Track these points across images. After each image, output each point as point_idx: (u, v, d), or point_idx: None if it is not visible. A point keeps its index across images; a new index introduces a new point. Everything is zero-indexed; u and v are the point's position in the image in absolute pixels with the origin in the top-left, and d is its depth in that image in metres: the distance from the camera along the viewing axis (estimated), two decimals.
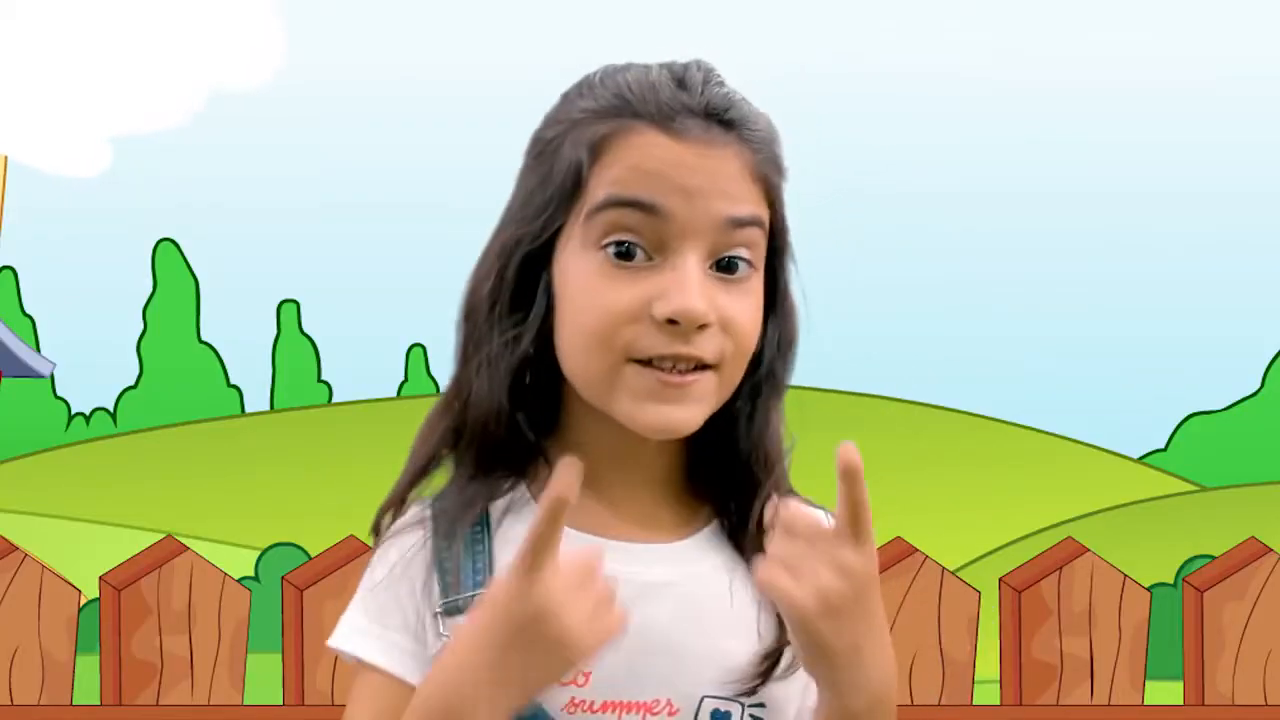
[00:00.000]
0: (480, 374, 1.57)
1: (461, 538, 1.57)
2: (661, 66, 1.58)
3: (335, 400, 8.39)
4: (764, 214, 1.57)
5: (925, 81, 7.73)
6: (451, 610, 1.55)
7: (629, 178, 1.53)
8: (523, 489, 1.59)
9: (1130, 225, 7.87)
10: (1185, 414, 8.07)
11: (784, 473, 1.65)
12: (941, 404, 8.07)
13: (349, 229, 7.91)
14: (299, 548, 6.98)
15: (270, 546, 7.42)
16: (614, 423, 1.56)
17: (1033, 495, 7.81)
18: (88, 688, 3.63)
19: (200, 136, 7.59)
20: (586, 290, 1.54)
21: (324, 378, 8.43)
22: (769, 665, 1.57)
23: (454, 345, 1.62)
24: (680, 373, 1.53)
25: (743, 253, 1.55)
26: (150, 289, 8.41)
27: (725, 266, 1.54)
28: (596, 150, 1.55)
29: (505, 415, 1.57)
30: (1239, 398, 8.08)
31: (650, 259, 1.53)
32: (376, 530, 1.63)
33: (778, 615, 1.56)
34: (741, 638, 1.58)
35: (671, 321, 1.52)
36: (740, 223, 1.54)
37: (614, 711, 1.55)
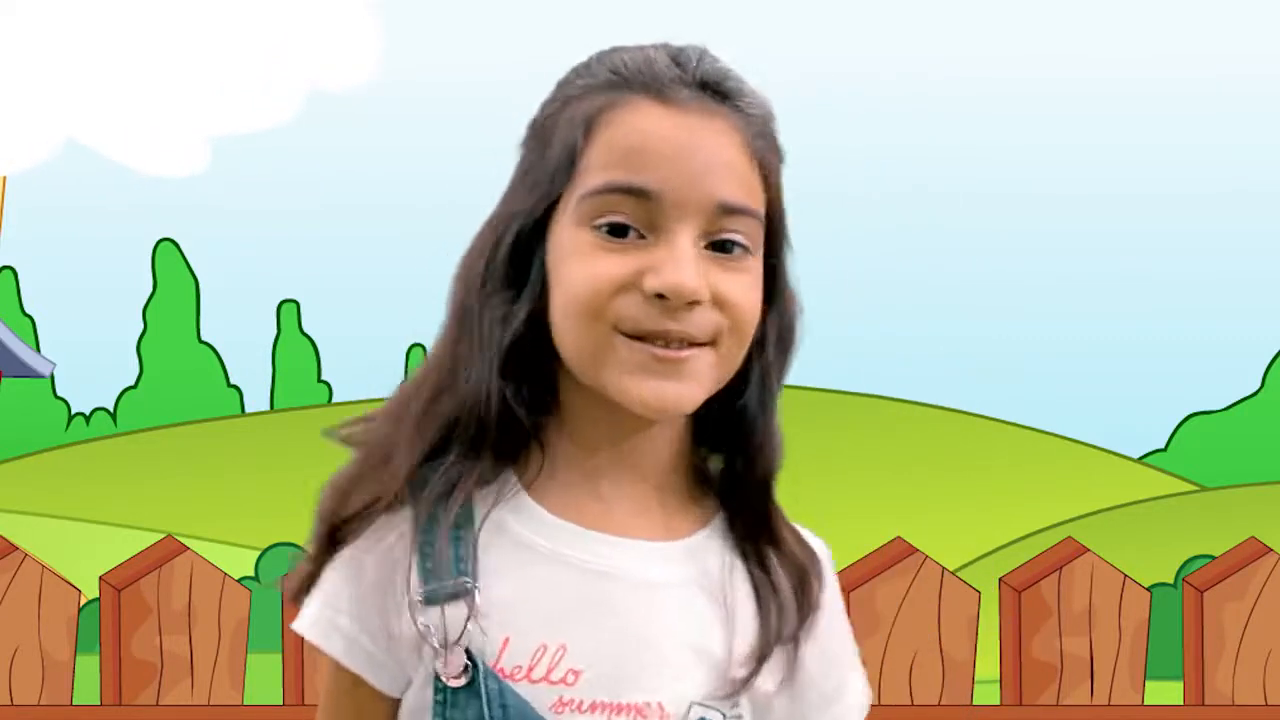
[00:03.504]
0: (472, 354, 1.53)
1: (446, 525, 1.53)
2: (658, 46, 1.56)
3: (335, 400, 8.38)
4: (759, 204, 1.54)
5: (925, 81, 7.73)
6: (431, 599, 1.52)
7: (622, 160, 1.52)
8: (511, 477, 1.55)
9: (1130, 225, 7.87)
10: (1185, 414, 8.06)
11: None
12: (941, 404, 8.07)
13: (350, 230, 7.91)
14: (299, 548, 6.97)
15: (270, 546, 7.41)
16: (611, 409, 1.53)
17: (1033, 495, 7.80)
18: (88, 688, 3.62)
19: (298, 137, 7.61)
20: (578, 262, 1.51)
21: (324, 378, 8.42)
22: (751, 673, 1.54)
23: (440, 326, 1.57)
24: (675, 348, 1.51)
25: (738, 237, 1.52)
26: (150, 289, 8.40)
27: (720, 246, 1.52)
28: (590, 125, 1.53)
29: (497, 397, 1.53)
30: (1239, 398, 8.07)
31: (643, 237, 1.51)
32: (340, 523, 1.66)
33: (765, 619, 1.56)
34: (735, 642, 1.55)
35: (661, 297, 1.50)
36: (733, 210, 1.52)
37: (603, 712, 1.51)
